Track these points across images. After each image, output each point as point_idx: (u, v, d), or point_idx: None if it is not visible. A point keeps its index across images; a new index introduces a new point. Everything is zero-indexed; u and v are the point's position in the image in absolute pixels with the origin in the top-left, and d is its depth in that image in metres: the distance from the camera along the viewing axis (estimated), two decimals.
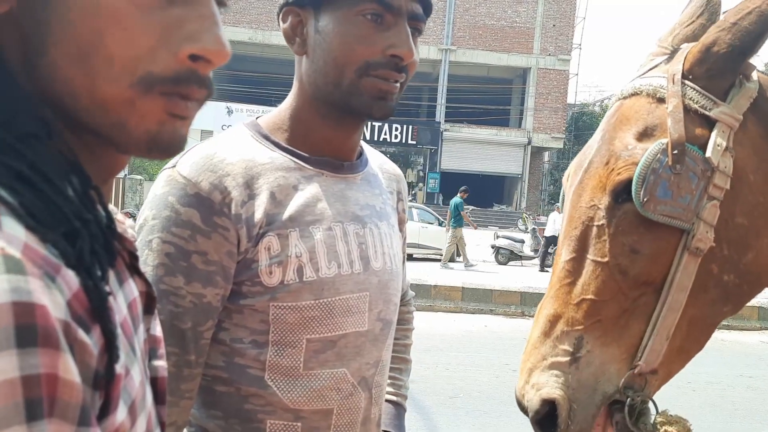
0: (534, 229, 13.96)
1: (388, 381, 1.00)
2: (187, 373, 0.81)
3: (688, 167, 0.81)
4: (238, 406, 0.84)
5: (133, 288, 0.50)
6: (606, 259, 0.84)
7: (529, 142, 26.50)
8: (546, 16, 26.55)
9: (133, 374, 0.45)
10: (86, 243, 0.40)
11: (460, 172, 25.91)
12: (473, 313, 7.27)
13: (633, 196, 0.81)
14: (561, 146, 27.25)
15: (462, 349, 5.55)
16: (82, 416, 0.36)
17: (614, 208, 0.84)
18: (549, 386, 0.83)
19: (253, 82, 23.50)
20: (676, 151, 0.80)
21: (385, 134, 24.74)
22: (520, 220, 22.05)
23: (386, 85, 0.85)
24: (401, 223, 1.06)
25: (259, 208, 0.82)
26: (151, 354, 0.56)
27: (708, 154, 0.81)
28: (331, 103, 0.87)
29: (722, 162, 0.82)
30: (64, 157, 0.42)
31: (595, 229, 0.85)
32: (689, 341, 0.86)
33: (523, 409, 0.87)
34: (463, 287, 7.55)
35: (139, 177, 15.19)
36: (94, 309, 0.39)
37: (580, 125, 29.40)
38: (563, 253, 0.88)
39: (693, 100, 0.83)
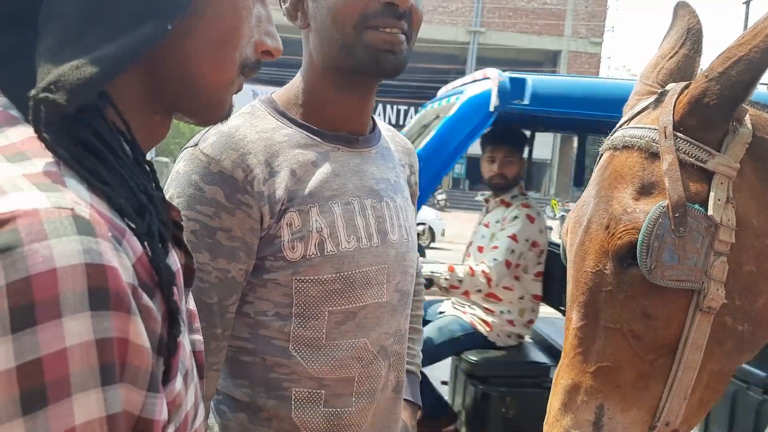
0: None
1: None
2: (215, 346, 0.83)
3: (691, 228, 0.78)
4: (264, 375, 0.87)
5: (176, 259, 0.50)
6: (618, 325, 0.82)
7: None
8: None
9: (185, 345, 0.46)
10: (154, 219, 0.41)
11: None
12: None
13: (639, 263, 0.78)
14: None
15: None
16: (151, 382, 0.37)
17: (620, 273, 0.81)
18: None
19: (278, 64, 23.53)
20: (677, 214, 0.77)
21: (411, 117, 24.50)
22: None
23: (389, 36, 0.84)
24: (413, 196, 1.07)
25: (281, 185, 0.83)
26: (188, 328, 0.57)
27: (710, 211, 0.78)
28: (341, 67, 0.87)
29: (725, 216, 0.79)
30: (119, 130, 0.43)
31: (603, 294, 0.82)
32: (708, 393, 0.84)
33: None
34: None
35: (165, 159, 15.42)
36: (161, 280, 0.39)
37: None
38: (573, 319, 0.86)
39: (688, 154, 0.80)
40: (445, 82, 3.08)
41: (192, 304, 0.58)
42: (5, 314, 0.32)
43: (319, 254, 0.84)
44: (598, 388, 0.82)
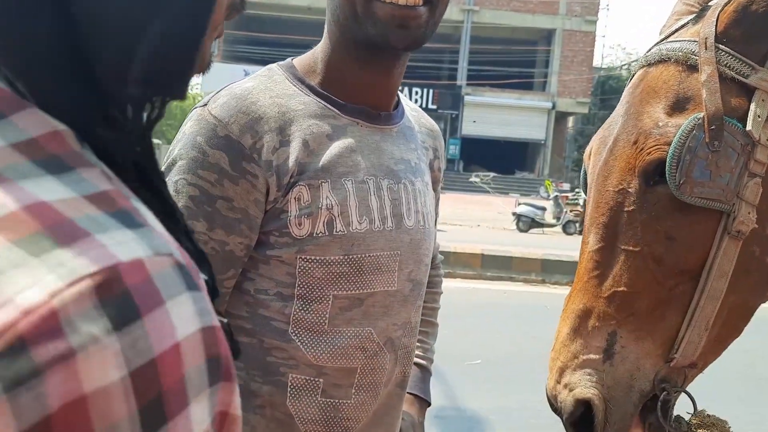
0: (557, 196, 13.74)
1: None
2: None
3: (727, 143, 0.74)
4: (260, 358, 0.83)
5: None
6: (639, 248, 0.77)
7: (554, 107, 25.95)
8: None
9: None
10: (210, 268, 0.35)
11: (481, 137, 25.56)
12: (493, 281, 7.22)
13: (667, 178, 0.74)
14: (586, 111, 26.64)
15: (481, 316, 5.52)
16: None
17: (646, 191, 0.78)
18: (582, 386, 0.78)
19: (270, 43, 23.22)
20: (713, 127, 0.73)
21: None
22: (543, 187, 21.78)
23: (399, 10, 0.78)
24: (435, 182, 1.01)
25: (291, 155, 0.79)
26: None
27: (748, 127, 0.74)
28: (353, 39, 0.82)
29: (764, 134, 0.75)
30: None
31: (625, 215, 0.78)
32: (727, 329, 0.80)
33: (556, 411, 0.82)
34: (482, 254, 7.49)
35: (157, 141, 15.28)
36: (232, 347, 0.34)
37: (607, 89, 28.61)
38: (590, 242, 0.81)
39: (728, 67, 0.76)
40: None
41: None
42: (135, 417, 0.24)
43: (327, 233, 0.79)
44: (612, 314, 0.78)
